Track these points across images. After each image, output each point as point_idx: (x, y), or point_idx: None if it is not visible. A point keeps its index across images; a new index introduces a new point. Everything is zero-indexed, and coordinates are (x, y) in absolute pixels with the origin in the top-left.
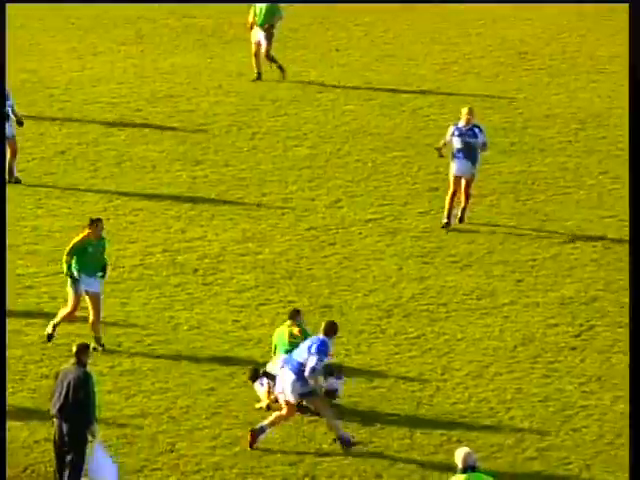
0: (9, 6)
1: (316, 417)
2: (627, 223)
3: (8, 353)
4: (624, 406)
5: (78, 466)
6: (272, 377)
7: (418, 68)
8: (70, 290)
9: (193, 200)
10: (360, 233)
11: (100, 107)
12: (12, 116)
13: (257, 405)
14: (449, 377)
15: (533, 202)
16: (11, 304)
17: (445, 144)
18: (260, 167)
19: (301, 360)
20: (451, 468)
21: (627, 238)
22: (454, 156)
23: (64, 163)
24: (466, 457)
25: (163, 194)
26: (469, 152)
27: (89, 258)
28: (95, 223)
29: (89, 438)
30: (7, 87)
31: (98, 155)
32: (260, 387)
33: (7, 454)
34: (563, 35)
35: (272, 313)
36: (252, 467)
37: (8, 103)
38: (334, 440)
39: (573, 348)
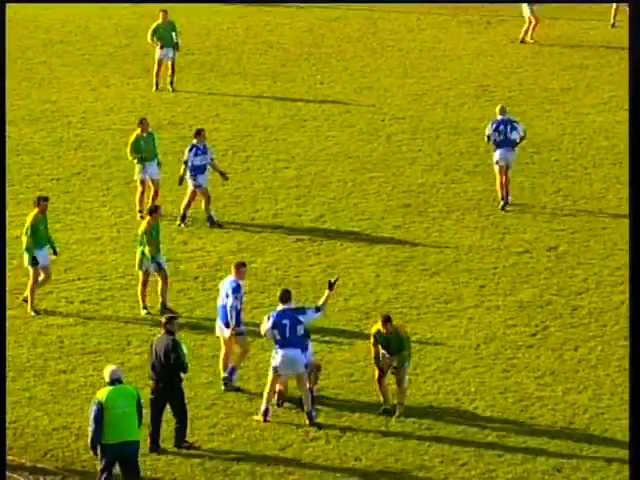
0: (32, 41)
1: (300, 408)
2: (577, 235)
3: (31, 351)
4: (574, 397)
5: (182, 416)
6: None
7: (392, 99)
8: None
9: (194, 215)
10: (341, 244)
11: (111, 133)
12: (210, 168)
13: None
14: (420, 372)
15: (494, 217)
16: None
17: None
18: (253, 186)
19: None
20: (421, 453)
21: (577, 248)
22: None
23: (80, 183)
24: (112, 373)
25: (167, 210)
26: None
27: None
28: None
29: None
30: (207, 143)
31: (110, 176)
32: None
33: (29, 440)
34: (520, 70)
35: (264, 315)
36: (246, 452)
37: (208, 156)
38: (319, 427)
39: (530, 346)
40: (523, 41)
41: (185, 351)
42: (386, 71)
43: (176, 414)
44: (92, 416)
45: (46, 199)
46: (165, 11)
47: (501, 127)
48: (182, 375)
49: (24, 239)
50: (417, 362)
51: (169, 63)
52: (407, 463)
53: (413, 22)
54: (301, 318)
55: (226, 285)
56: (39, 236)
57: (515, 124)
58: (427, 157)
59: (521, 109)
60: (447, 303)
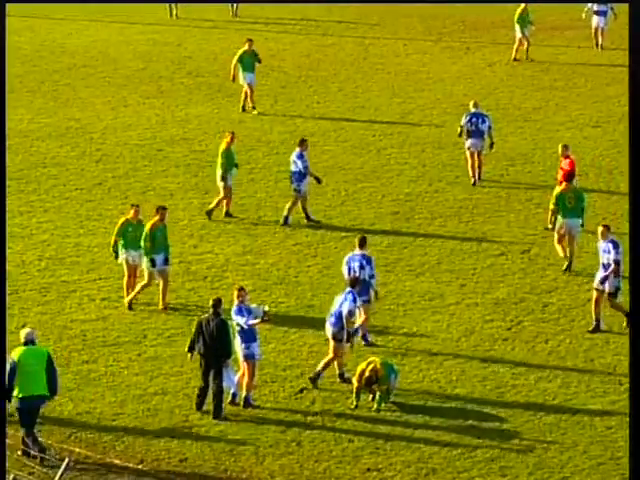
0: (58, 65)
1: (299, 394)
2: (547, 239)
3: (57, 344)
4: (545, 385)
5: (220, 386)
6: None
7: (382, 117)
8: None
9: (203, 221)
10: (336, 247)
11: (129, 148)
12: (308, 175)
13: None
14: (407, 362)
15: (473, 223)
16: (58, 305)
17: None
18: (257, 195)
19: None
20: (407, 435)
21: (547, 251)
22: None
23: (101, 192)
24: (26, 334)
25: (179, 217)
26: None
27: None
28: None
29: (228, 364)
30: (306, 153)
31: (128, 186)
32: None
33: (55, 424)
34: (496, 91)
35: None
36: (250, 434)
37: (304, 164)
38: (315, 413)
39: (505, 339)
40: (516, 59)
41: (230, 332)
42: (376, 92)
43: (217, 389)
44: (7, 372)
45: (165, 208)
46: (250, 40)
47: (474, 119)
48: (228, 353)
49: (143, 244)
50: (404, 353)
51: (251, 86)
52: (395, 444)
53: (400, 48)
54: (236, 319)
55: (353, 260)
56: (157, 242)
57: (485, 117)
58: (413, 169)
59: (497, 126)
60: (431, 300)
